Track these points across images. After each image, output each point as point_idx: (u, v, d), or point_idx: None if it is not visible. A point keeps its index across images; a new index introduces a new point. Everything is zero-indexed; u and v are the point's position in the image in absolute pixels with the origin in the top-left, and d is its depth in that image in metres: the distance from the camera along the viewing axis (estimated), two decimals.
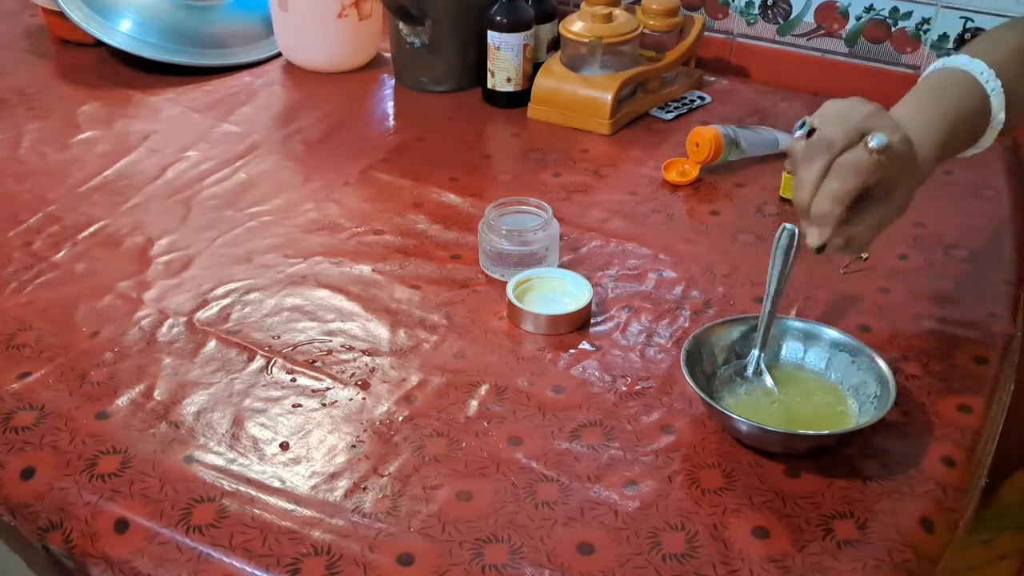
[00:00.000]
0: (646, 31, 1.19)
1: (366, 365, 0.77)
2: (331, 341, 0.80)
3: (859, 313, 0.83)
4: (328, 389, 0.75)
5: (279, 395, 0.74)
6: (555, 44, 1.24)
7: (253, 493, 0.65)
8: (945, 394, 0.74)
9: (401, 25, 1.23)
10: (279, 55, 1.37)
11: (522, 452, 0.69)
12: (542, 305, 0.82)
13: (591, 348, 0.79)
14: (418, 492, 0.65)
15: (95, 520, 0.63)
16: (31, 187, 1.02)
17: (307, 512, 0.64)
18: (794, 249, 0.71)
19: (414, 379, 0.76)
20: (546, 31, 1.25)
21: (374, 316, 0.83)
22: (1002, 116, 0.70)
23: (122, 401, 0.73)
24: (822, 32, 1.25)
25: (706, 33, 1.28)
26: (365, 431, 0.71)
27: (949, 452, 0.69)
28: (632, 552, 0.61)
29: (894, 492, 0.65)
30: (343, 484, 0.66)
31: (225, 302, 0.84)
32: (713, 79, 1.29)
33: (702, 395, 0.67)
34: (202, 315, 0.83)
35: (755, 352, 0.72)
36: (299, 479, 0.66)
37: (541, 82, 1.18)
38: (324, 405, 0.73)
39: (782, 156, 1.03)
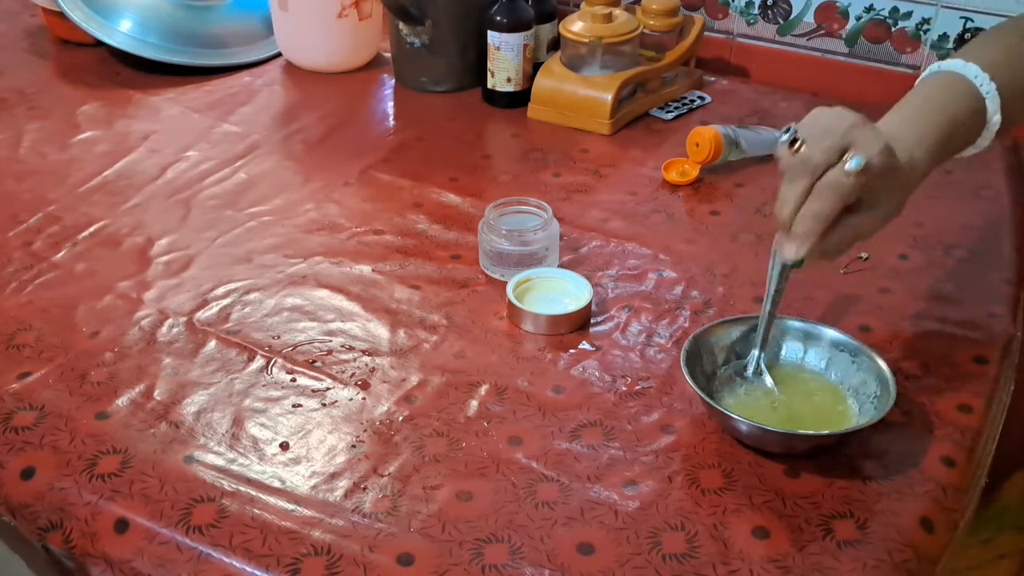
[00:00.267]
0: (646, 31, 1.19)
1: (366, 365, 0.77)
2: (331, 341, 0.80)
3: (859, 313, 0.83)
4: (328, 389, 0.75)
5: (279, 395, 0.74)
6: (555, 44, 1.24)
7: (253, 493, 0.65)
8: (945, 394, 0.74)
9: (401, 25, 1.23)
10: (279, 55, 1.37)
11: (522, 452, 0.69)
12: (542, 305, 0.82)
13: (591, 348, 0.79)
14: (418, 492, 0.65)
15: (95, 520, 0.63)
16: (31, 187, 1.02)
17: (307, 512, 0.64)
18: None
19: (414, 379, 0.76)
20: (546, 31, 1.25)
21: (374, 316, 0.83)
22: (998, 118, 0.70)
23: (122, 401, 0.73)
24: (822, 32, 1.25)
25: (706, 33, 1.28)
26: (365, 431, 0.71)
27: (949, 452, 0.69)
28: (632, 552, 0.61)
29: (894, 492, 0.65)
30: (343, 484, 0.66)
31: (225, 302, 0.84)
32: (713, 79, 1.29)
33: (702, 395, 0.67)
34: (202, 315, 0.83)
35: (755, 352, 0.72)
36: (299, 479, 0.66)
37: (541, 82, 1.18)
38: (324, 405, 0.73)
39: None
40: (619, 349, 0.79)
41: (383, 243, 0.94)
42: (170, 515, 0.63)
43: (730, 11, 1.30)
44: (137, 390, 0.74)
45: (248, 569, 0.60)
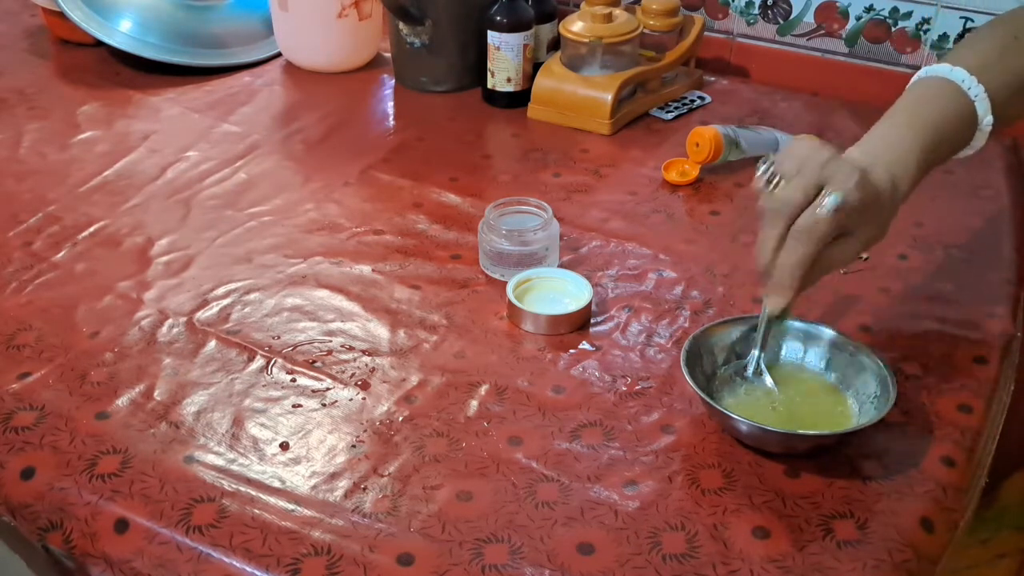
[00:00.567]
0: (646, 31, 1.19)
1: (366, 365, 0.77)
2: (331, 341, 0.80)
3: (859, 313, 0.83)
4: (328, 389, 0.75)
5: (279, 395, 0.74)
6: (555, 44, 1.24)
7: (253, 493, 0.65)
8: (945, 394, 0.74)
9: (401, 25, 1.23)
10: (279, 55, 1.37)
11: (522, 452, 0.69)
12: (542, 305, 0.82)
13: (591, 348, 0.79)
14: (418, 492, 0.65)
15: (95, 520, 0.63)
16: (31, 187, 1.02)
17: (307, 512, 0.64)
18: None
19: (414, 379, 0.76)
20: (546, 31, 1.25)
21: (374, 316, 0.83)
22: (990, 119, 0.70)
23: (122, 401, 0.73)
24: (822, 32, 1.25)
25: (706, 33, 1.28)
26: (365, 431, 0.71)
27: (949, 452, 0.69)
28: (632, 552, 0.61)
29: (894, 492, 0.65)
30: (343, 484, 0.66)
31: (225, 302, 0.84)
32: (713, 79, 1.29)
33: (702, 395, 0.67)
34: (202, 315, 0.83)
35: (755, 352, 0.72)
36: (299, 479, 0.66)
37: (541, 82, 1.18)
38: (324, 405, 0.73)
39: None
40: (619, 349, 0.79)
41: (383, 243, 0.94)
42: (170, 515, 0.63)
43: (730, 11, 1.30)
44: (137, 390, 0.74)
45: (248, 569, 0.60)
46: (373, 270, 0.89)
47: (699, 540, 0.62)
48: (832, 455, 0.68)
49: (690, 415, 0.72)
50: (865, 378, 0.70)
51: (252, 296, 0.85)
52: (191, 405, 0.73)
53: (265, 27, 1.37)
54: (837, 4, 1.23)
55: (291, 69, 1.34)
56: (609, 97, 1.13)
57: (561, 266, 0.89)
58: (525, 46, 1.19)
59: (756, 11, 1.28)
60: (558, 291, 0.84)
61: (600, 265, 0.90)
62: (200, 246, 0.93)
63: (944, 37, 1.18)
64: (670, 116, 1.19)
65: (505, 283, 0.84)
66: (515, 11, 1.17)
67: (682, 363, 0.69)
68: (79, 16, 1.28)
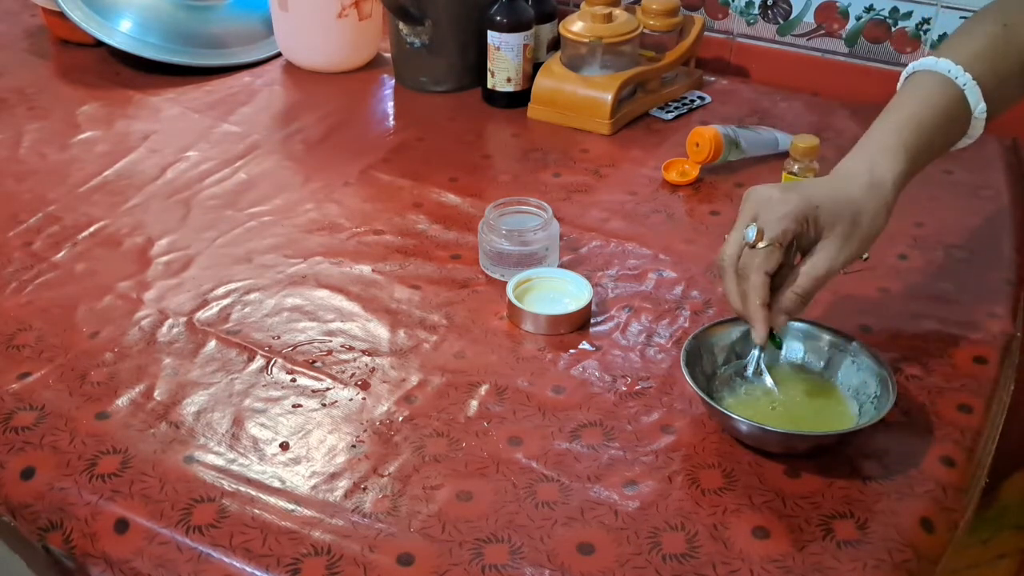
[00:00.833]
0: (646, 31, 1.19)
1: (366, 365, 0.77)
2: (331, 341, 0.80)
3: (859, 313, 0.83)
4: (328, 389, 0.75)
5: (279, 395, 0.74)
6: (555, 44, 1.24)
7: (253, 493, 0.65)
8: (945, 394, 0.74)
9: (401, 25, 1.23)
10: (279, 55, 1.37)
11: (522, 452, 0.69)
12: (542, 305, 0.82)
13: (591, 348, 0.79)
14: (418, 492, 0.65)
15: (95, 520, 0.63)
16: (31, 187, 1.02)
17: (307, 512, 0.64)
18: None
19: (414, 379, 0.76)
20: (546, 31, 1.25)
21: (374, 316, 0.83)
22: (983, 106, 0.70)
23: (122, 401, 0.73)
24: (822, 32, 1.25)
25: (706, 33, 1.28)
26: (365, 431, 0.71)
27: (949, 452, 0.69)
28: (632, 552, 0.61)
29: (894, 492, 0.65)
30: (343, 484, 0.66)
31: (225, 302, 0.84)
32: (713, 79, 1.29)
33: (702, 395, 0.67)
34: (202, 315, 0.83)
35: (755, 352, 0.72)
36: (299, 479, 0.66)
37: (541, 82, 1.18)
38: (324, 405, 0.73)
39: (782, 156, 1.03)
40: (619, 349, 0.79)
41: (383, 243, 0.94)
42: (170, 515, 0.63)
43: (730, 11, 1.30)
44: (137, 390, 0.74)
45: (248, 569, 0.60)
46: (373, 270, 0.89)
47: (699, 540, 0.62)
48: (832, 455, 0.68)
49: (690, 415, 0.72)
50: (865, 378, 0.70)
51: (252, 296, 0.85)
52: (191, 405, 0.73)
53: (265, 27, 1.37)
54: (837, 4, 1.23)
55: (291, 69, 1.34)
56: (609, 97, 1.13)
57: (561, 266, 0.89)
58: (525, 46, 1.19)
59: (756, 11, 1.28)
60: (558, 291, 0.84)
61: (600, 265, 0.90)
62: (200, 246, 0.93)
63: (944, 37, 1.18)
64: (670, 116, 1.19)
65: (505, 283, 0.84)
66: (515, 11, 1.17)
67: (682, 363, 0.69)
68: (79, 16, 1.28)
